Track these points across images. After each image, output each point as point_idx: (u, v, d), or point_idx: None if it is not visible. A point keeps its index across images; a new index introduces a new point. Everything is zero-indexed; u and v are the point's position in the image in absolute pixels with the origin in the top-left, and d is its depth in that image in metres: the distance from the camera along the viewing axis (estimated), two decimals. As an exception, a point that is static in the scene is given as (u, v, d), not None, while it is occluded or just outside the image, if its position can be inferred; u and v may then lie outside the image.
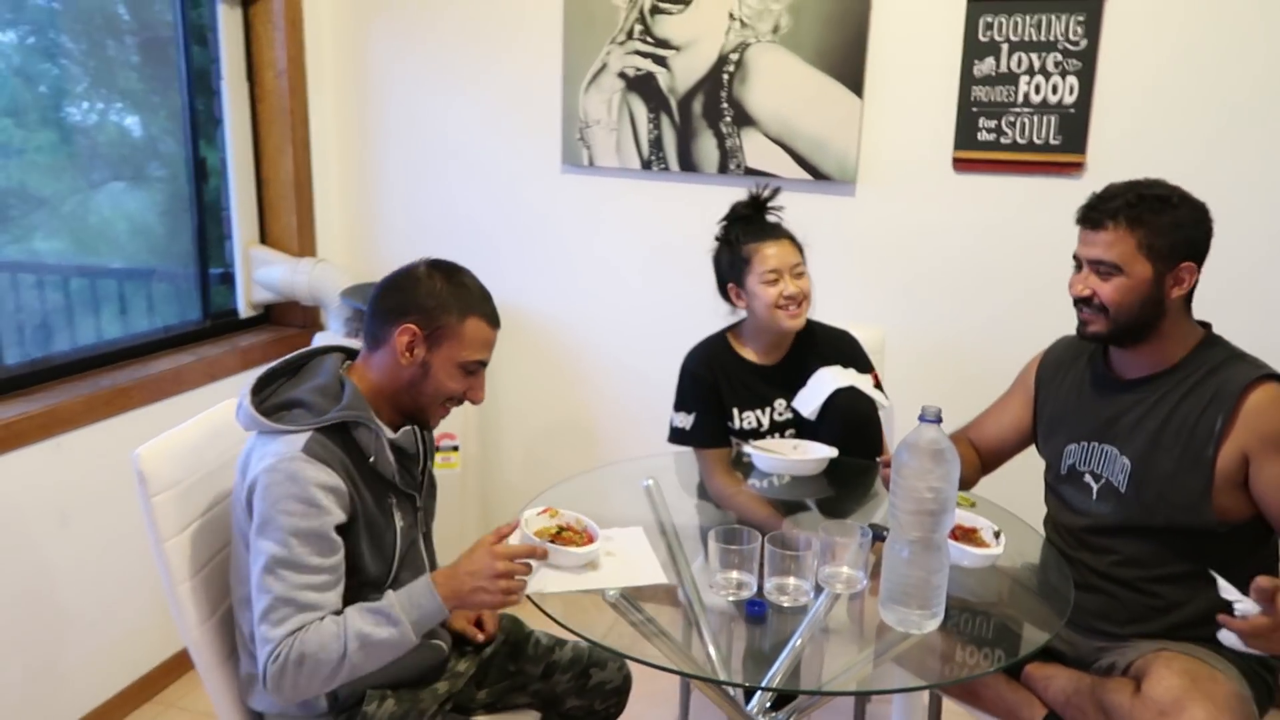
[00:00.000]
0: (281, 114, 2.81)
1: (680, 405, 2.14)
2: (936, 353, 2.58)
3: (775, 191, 2.11)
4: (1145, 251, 1.55)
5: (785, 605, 1.44)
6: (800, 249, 2.05)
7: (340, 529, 1.36)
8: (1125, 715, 1.44)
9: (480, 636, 1.69)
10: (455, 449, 2.67)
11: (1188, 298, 1.62)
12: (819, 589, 1.48)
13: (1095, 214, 1.59)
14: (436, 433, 2.65)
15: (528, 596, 1.44)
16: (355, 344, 1.55)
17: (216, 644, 1.51)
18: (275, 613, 1.31)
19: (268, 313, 2.98)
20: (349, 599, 1.38)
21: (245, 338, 2.82)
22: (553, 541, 1.51)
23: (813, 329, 2.12)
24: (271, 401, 1.42)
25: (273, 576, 1.31)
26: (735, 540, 1.46)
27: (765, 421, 2.10)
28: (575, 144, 2.74)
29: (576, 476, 1.95)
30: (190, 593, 1.48)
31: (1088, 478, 1.71)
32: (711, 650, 1.44)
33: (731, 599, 1.46)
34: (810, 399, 2.04)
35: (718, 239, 2.11)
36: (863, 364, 2.13)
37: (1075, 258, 1.65)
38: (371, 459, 1.42)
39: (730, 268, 2.07)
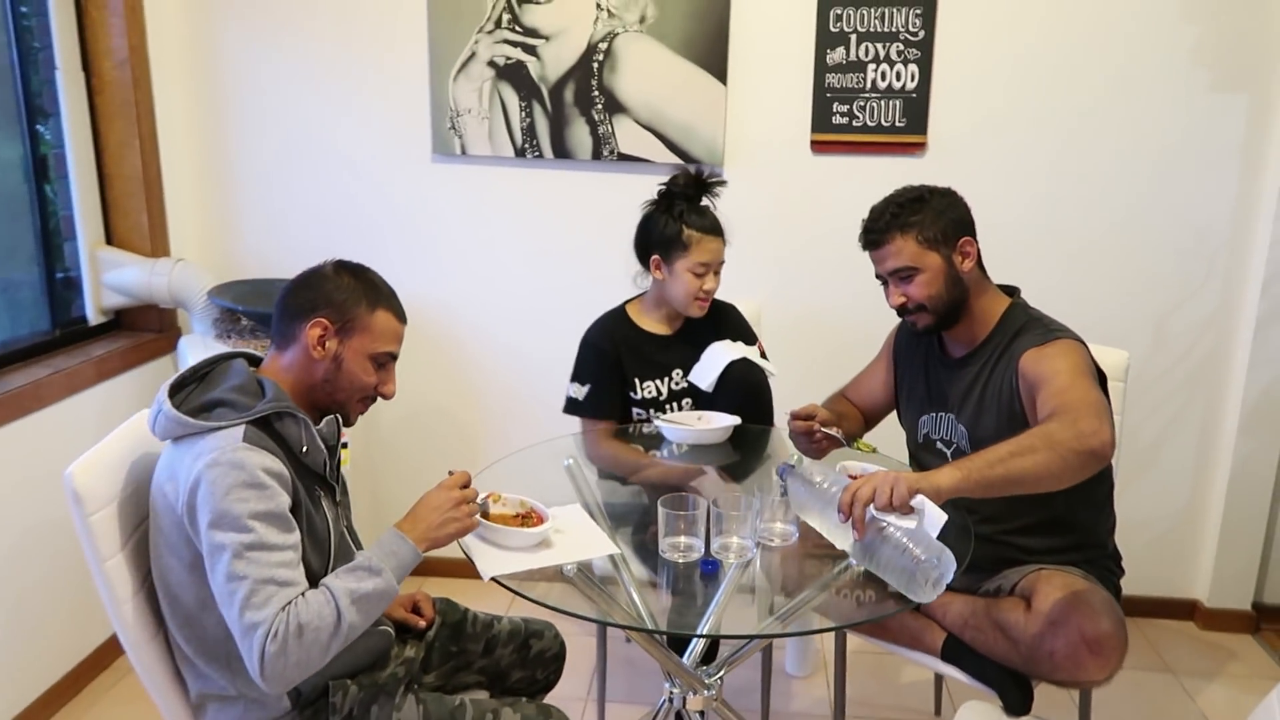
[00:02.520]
0: (125, 105, 2.64)
1: (576, 376, 2.23)
2: (808, 322, 2.78)
3: (720, 181, 2.23)
4: (926, 244, 1.79)
5: (734, 561, 1.57)
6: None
7: None
8: (1020, 630, 1.66)
9: (420, 623, 1.72)
10: (344, 445, 2.62)
11: (983, 271, 1.87)
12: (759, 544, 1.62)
13: (873, 236, 1.84)
14: (320, 430, 2.62)
15: (494, 579, 1.49)
16: (253, 350, 1.57)
17: (165, 660, 1.47)
18: (257, 595, 1.29)
19: (118, 318, 2.81)
20: None
21: (98, 346, 2.65)
22: (506, 524, 1.57)
23: None
24: (189, 406, 1.41)
25: (244, 562, 1.30)
26: (682, 506, 1.57)
27: (664, 390, 2.23)
28: (446, 133, 2.74)
29: (495, 464, 1.99)
30: (134, 610, 1.43)
31: (940, 444, 1.94)
32: (643, 610, 1.53)
33: (683, 560, 1.57)
34: (707, 372, 2.17)
35: (653, 204, 2.19)
36: (749, 335, 2.29)
37: (879, 277, 1.88)
38: (305, 449, 1.45)
39: (663, 242, 2.15)
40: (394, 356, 1.55)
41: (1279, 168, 2.55)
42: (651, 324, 2.25)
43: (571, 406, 2.24)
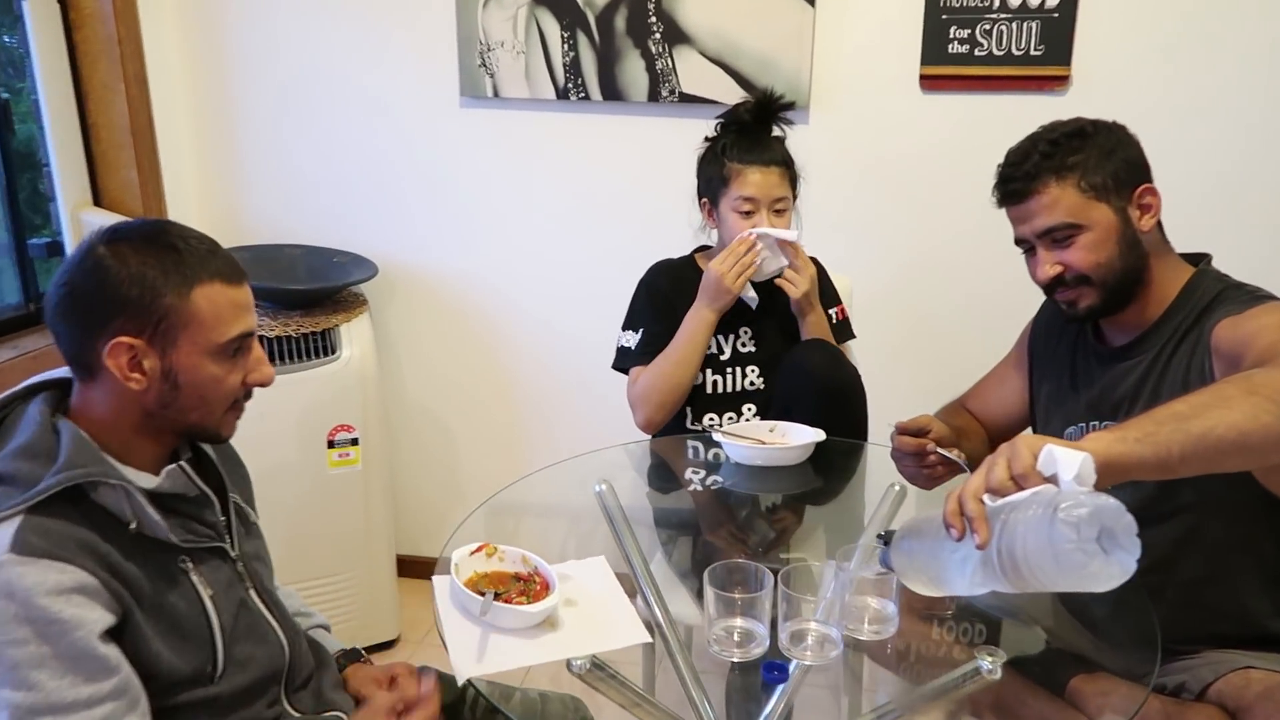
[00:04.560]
0: (108, 43, 2.27)
1: (628, 323, 1.90)
2: (913, 306, 2.28)
3: (790, 103, 1.86)
4: (1093, 193, 1.32)
5: (808, 662, 1.12)
6: (793, 180, 1.80)
7: (113, 631, 0.97)
8: (1226, 763, 1.17)
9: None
10: (354, 442, 2.25)
11: (1163, 233, 1.40)
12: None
13: (1016, 185, 1.37)
14: (332, 424, 2.24)
15: (469, 681, 1.07)
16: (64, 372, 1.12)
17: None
18: None
19: (112, 289, 2.48)
20: (157, 709, 1.01)
21: (84, 322, 2.32)
22: (497, 598, 1.15)
23: None
24: None
25: None
26: (738, 582, 1.12)
27: (727, 350, 1.85)
28: (476, 71, 2.30)
29: (511, 486, 1.57)
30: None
31: None
32: (708, 714, 1.11)
33: (739, 659, 1.12)
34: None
35: (707, 139, 1.85)
36: (831, 297, 1.91)
37: (1020, 243, 1.41)
38: (132, 525, 1.02)
39: (708, 183, 1.83)
40: (249, 334, 1.09)
41: None
42: None
43: (621, 358, 1.89)
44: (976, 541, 0.92)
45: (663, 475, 1.84)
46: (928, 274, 2.27)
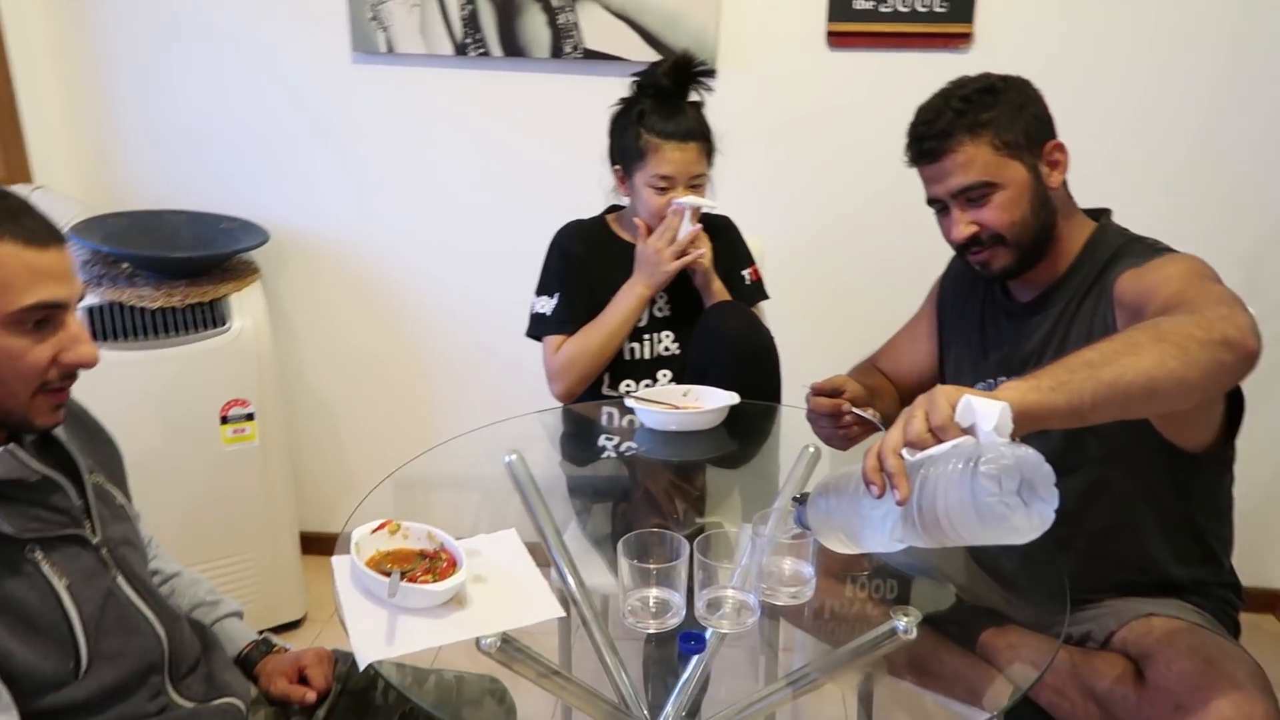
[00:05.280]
0: (-44, -8, 2.08)
1: (543, 288, 1.82)
2: (823, 264, 2.27)
3: (710, 70, 1.80)
4: (1006, 150, 1.32)
5: (725, 630, 1.09)
6: (710, 153, 1.75)
7: None
8: (1130, 710, 1.19)
9: (310, 696, 1.25)
10: (250, 417, 2.14)
11: (1067, 188, 1.41)
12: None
13: (930, 144, 1.35)
14: (224, 399, 2.12)
15: (370, 666, 1.02)
16: None
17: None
18: None
19: (-26, 260, 2.29)
20: (25, 715, 0.94)
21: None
22: (402, 577, 1.09)
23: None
24: None
25: None
26: (653, 552, 1.09)
27: (644, 316, 1.80)
28: (368, 25, 2.18)
29: (418, 458, 1.51)
30: None
31: None
32: (626, 686, 1.09)
33: (655, 630, 1.09)
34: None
35: (623, 101, 1.76)
36: (745, 258, 1.89)
37: (933, 202, 1.41)
38: None
39: (623, 152, 1.76)
40: (58, 305, 0.98)
41: None
42: (632, 237, 1.81)
43: (537, 325, 1.81)
44: (897, 498, 0.90)
45: (576, 443, 1.80)
46: (838, 233, 2.26)
